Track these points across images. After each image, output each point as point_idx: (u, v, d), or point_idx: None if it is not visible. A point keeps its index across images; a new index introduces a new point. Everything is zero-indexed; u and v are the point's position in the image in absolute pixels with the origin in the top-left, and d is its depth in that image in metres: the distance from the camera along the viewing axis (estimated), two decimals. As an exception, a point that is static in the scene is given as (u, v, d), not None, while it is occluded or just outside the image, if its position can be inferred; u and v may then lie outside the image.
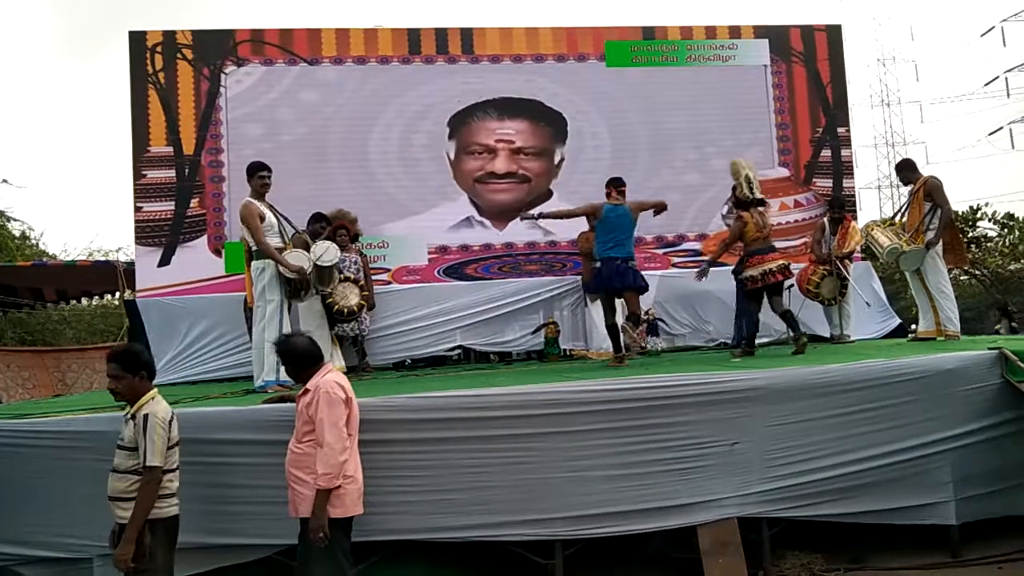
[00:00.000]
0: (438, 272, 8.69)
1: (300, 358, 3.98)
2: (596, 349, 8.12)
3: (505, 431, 4.54)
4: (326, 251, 6.13)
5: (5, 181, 16.69)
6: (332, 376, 3.90)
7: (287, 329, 6.01)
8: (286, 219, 6.29)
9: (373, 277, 7.98)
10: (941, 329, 6.94)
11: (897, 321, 9.04)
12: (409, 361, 8.46)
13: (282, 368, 5.79)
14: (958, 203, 16.09)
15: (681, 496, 4.64)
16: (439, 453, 4.50)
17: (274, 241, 5.95)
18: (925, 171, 7.49)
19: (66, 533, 4.31)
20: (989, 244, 15.95)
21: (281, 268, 5.82)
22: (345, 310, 6.94)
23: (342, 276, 7.00)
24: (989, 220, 15.62)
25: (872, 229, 7.40)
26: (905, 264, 7.03)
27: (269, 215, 6.03)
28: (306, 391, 3.84)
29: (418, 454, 4.48)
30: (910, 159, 7.61)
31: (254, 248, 5.93)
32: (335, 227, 7.46)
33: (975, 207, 15.59)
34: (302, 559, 3.81)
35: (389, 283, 8.48)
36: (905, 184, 7.40)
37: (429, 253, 8.69)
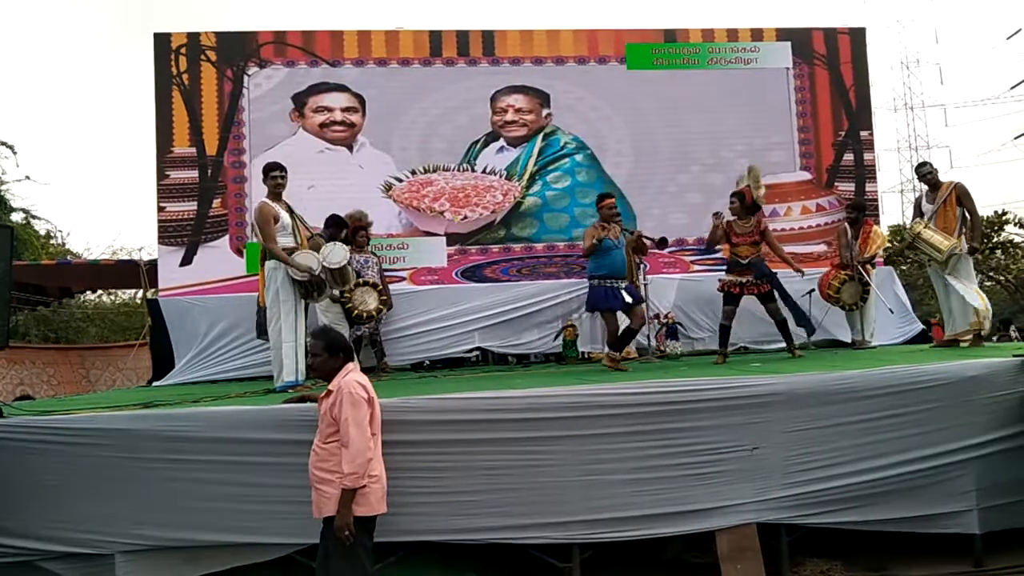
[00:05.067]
0: (456, 274, 8.71)
1: (337, 350, 3.99)
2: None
3: (523, 434, 4.54)
4: (332, 252, 6.12)
5: (28, 178, 16.95)
6: (354, 376, 3.92)
7: (302, 329, 6.05)
8: (302, 221, 6.32)
9: (391, 276, 8.05)
10: (980, 320, 6.88)
11: (920, 327, 8.95)
12: (427, 362, 8.48)
13: (301, 369, 5.88)
14: (983, 208, 15.91)
15: (699, 501, 4.62)
16: (457, 455, 4.50)
17: (287, 242, 5.99)
18: (950, 176, 7.43)
19: (89, 529, 4.35)
20: (1017, 250, 15.75)
21: (289, 269, 5.85)
22: (364, 315, 6.98)
23: (361, 280, 7.03)
24: (1014, 224, 15.44)
25: (921, 231, 7.07)
26: (950, 265, 6.95)
27: (284, 216, 6.06)
28: (329, 392, 3.86)
29: (436, 455, 4.48)
30: (929, 162, 7.52)
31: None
32: (354, 228, 7.50)
33: (1000, 212, 15.41)
34: (324, 558, 3.83)
35: (407, 284, 8.52)
36: (932, 185, 7.21)
37: (448, 255, 8.72)
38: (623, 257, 6.73)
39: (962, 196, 6.94)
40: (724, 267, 7.26)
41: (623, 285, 6.59)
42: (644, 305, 6.98)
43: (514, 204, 8.92)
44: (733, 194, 7.07)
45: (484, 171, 8.93)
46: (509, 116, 9.03)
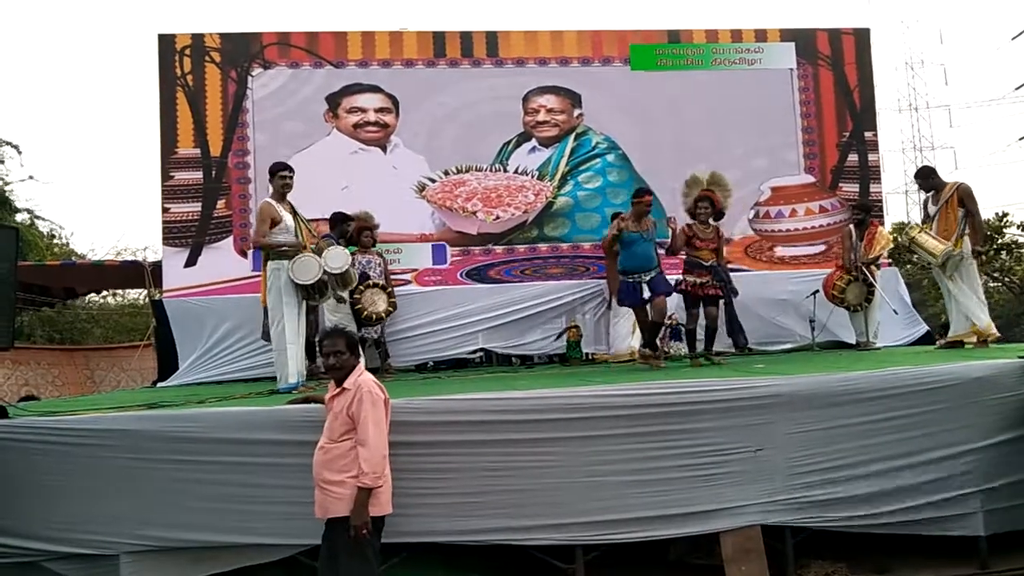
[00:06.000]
0: (461, 275, 8.72)
1: (356, 348, 4.02)
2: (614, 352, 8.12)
3: (526, 435, 4.53)
4: (333, 256, 6.13)
5: (31, 177, 17.04)
6: (369, 376, 3.95)
7: (303, 331, 6.06)
8: (306, 224, 6.32)
9: (395, 278, 8.07)
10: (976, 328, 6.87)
11: (924, 328, 8.93)
12: (431, 363, 8.48)
13: (302, 370, 5.88)
14: (988, 209, 15.93)
15: (703, 503, 4.61)
16: (460, 456, 4.50)
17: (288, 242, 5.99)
18: (954, 176, 7.43)
19: (94, 530, 4.35)
20: (1021, 251, 15.69)
21: (290, 273, 5.84)
22: (374, 316, 6.98)
23: (370, 282, 7.03)
24: (1018, 227, 15.39)
25: (916, 235, 7.15)
26: (948, 268, 6.94)
27: (287, 217, 6.06)
28: (344, 390, 3.86)
29: (439, 456, 4.48)
30: (929, 166, 7.55)
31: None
32: (359, 228, 7.52)
33: (1001, 214, 15.35)
34: (328, 559, 3.83)
35: (408, 283, 8.55)
36: (927, 191, 7.30)
37: (452, 256, 8.73)
38: (646, 250, 6.69)
39: (964, 197, 6.88)
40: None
41: (647, 278, 6.61)
42: (667, 297, 6.83)
43: (546, 204, 8.95)
44: (702, 199, 7.01)
45: (516, 171, 8.97)
46: (541, 116, 9.07)
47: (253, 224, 8.19)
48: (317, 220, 7.57)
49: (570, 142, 9.07)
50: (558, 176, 8.99)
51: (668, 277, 6.81)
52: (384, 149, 8.81)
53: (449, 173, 8.84)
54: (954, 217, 6.92)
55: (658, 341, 8.21)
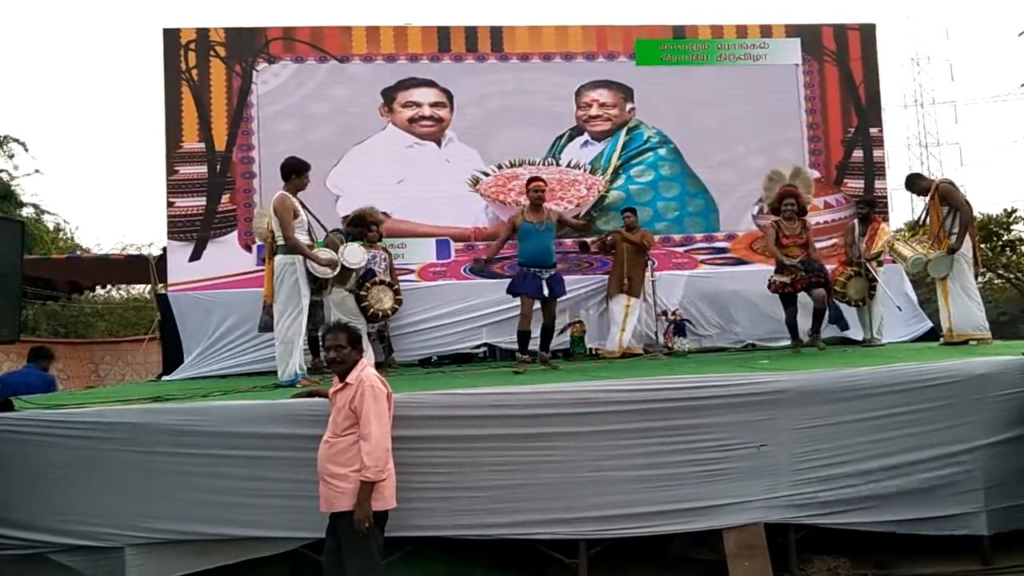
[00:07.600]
0: (465, 270, 8.72)
1: (357, 343, 4.03)
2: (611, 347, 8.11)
3: (530, 429, 4.54)
4: (352, 253, 6.16)
5: (37, 171, 17.09)
6: (371, 370, 3.96)
7: (303, 325, 6.07)
8: (317, 220, 6.33)
9: (398, 272, 8.07)
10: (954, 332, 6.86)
11: (928, 324, 8.91)
12: (435, 358, 8.49)
13: (302, 363, 5.89)
14: (993, 205, 15.85)
15: (706, 498, 4.61)
16: (464, 450, 4.51)
17: (303, 239, 6.00)
18: (960, 173, 7.46)
19: (98, 522, 4.38)
20: (1024, 248, 15.62)
21: (309, 265, 5.86)
22: (380, 313, 6.99)
23: (377, 279, 7.03)
24: (1024, 223, 15.31)
25: (894, 243, 7.32)
26: (935, 271, 6.90)
27: (302, 212, 6.08)
28: (346, 385, 3.88)
29: (443, 451, 4.49)
30: (914, 173, 7.63)
31: (280, 242, 5.96)
32: (367, 223, 7.51)
33: (1009, 210, 15.27)
34: (332, 553, 3.84)
35: (412, 276, 8.53)
36: (920, 195, 7.35)
37: (456, 251, 8.72)
38: (542, 243, 6.65)
39: (945, 195, 6.84)
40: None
41: (546, 275, 6.58)
42: (556, 302, 7.00)
43: (598, 198, 8.97)
44: (788, 196, 7.24)
45: (569, 165, 8.98)
46: (594, 111, 9.07)
47: (254, 216, 8.22)
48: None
49: (622, 136, 9.08)
50: (610, 170, 9.01)
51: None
52: (439, 143, 8.84)
53: (502, 167, 8.87)
54: (937, 217, 6.89)
55: (663, 337, 8.22)
